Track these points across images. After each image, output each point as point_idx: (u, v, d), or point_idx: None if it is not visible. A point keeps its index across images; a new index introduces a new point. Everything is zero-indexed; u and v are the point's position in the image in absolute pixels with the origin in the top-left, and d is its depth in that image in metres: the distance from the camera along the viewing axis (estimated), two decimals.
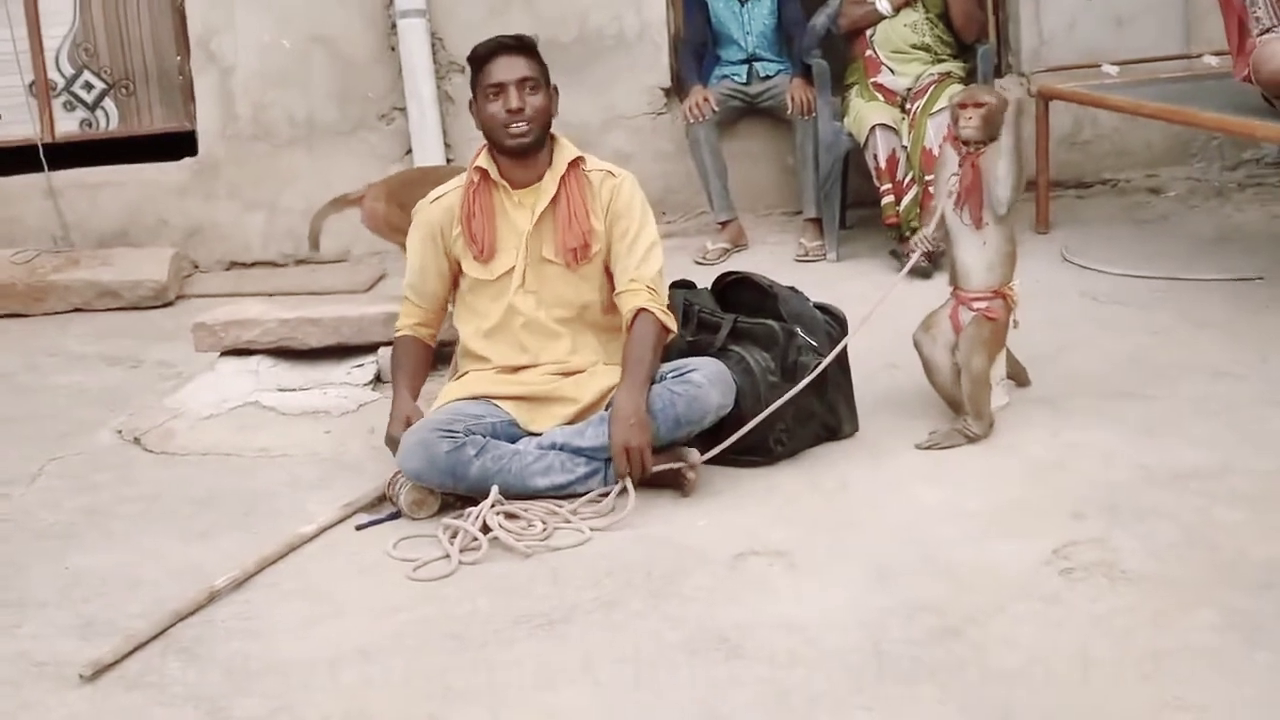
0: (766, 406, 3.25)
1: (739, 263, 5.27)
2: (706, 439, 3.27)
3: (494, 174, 3.36)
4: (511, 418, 3.28)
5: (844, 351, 3.47)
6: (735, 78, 5.64)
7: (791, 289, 3.56)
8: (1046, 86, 5.41)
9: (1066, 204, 5.73)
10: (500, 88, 3.28)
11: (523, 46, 3.33)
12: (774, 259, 5.38)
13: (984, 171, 3.37)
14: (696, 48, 5.68)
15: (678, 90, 5.87)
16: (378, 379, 4.13)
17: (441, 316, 3.52)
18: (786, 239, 5.61)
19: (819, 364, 3.31)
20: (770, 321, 3.41)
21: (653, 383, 3.25)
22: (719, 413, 3.24)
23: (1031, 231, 5.34)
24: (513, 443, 3.23)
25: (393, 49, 5.72)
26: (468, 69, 3.42)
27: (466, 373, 3.44)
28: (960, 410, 3.43)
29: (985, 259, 3.41)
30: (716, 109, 5.51)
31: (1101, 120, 5.85)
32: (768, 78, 5.62)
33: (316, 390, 4.07)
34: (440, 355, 4.00)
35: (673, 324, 3.36)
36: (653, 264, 3.37)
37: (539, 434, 3.26)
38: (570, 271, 3.37)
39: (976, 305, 3.41)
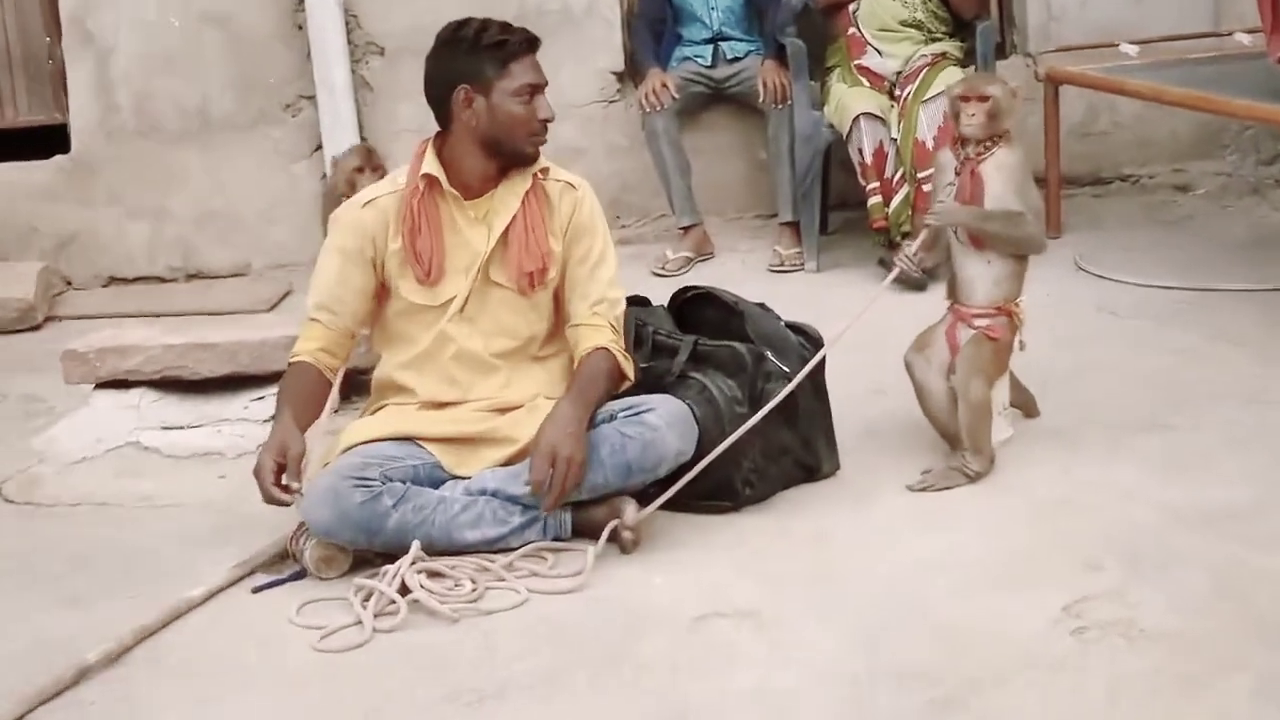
0: (731, 446, 3.24)
1: (703, 274, 5.27)
2: (662, 485, 3.27)
3: (445, 181, 3.34)
4: (436, 460, 3.27)
5: (821, 378, 3.48)
6: (698, 60, 5.67)
7: (761, 306, 3.57)
8: (1056, 69, 5.45)
9: (1080, 204, 5.77)
10: (535, 90, 3.31)
11: (536, 45, 3.35)
12: (744, 269, 5.39)
13: (987, 181, 3.39)
14: (654, 25, 5.70)
15: (632, 75, 5.90)
16: None
17: (351, 346, 3.46)
18: (759, 246, 5.62)
19: (786, 386, 3.32)
20: (736, 344, 3.41)
21: (601, 422, 3.25)
22: (677, 459, 3.23)
23: None
24: (437, 489, 3.22)
25: (300, 28, 5.72)
26: (462, 49, 3.31)
27: (384, 406, 3.43)
28: (957, 445, 3.44)
29: (991, 274, 3.43)
30: (677, 96, 5.53)
31: (1120, 108, 5.90)
32: (736, 60, 5.64)
33: (209, 428, 4.05)
34: (356, 385, 4.00)
35: (631, 373, 3.37)
36: (617, 298, 3.40)
37: (468, 478, 3.26)
38: (520, 298, 3.37)
39: (977, 323, 3.43)
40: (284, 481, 3.14)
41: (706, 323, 3.56)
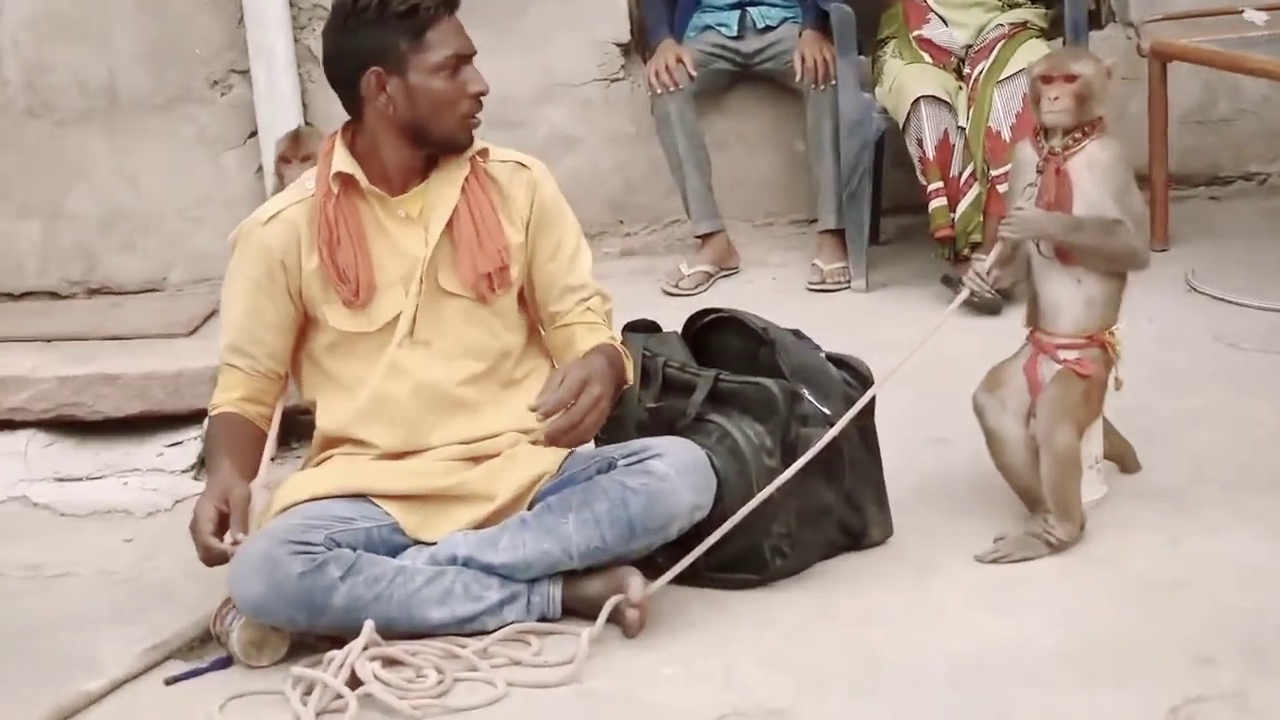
0: (760, 504, 3.24)
1: (725, 293, 5.25)
2: (673, 550, 3.27)
3: (362, 179, 3.37)
4: (394, 522, 3.30)
5: (871, 423, 3.48)
6: (722, 29, 5.67)
7: (795, 333, 3.58)
8: (1164, 42, 5.43)
9: (1194, 208, 5.76)
10: (461, 60, 3.34)
11: (456, 6, 3.37)
12: (776, 287, 5.39)
13: (1076, 181, 3.40)
14: None
15: (640, 48, 5.90)
16: (202, 463, 4.11)
17: (280, 388, 3.49)
18: (794, 260, 5.61)
19: (828, 432, 3.33)
20: (765, 380, 3.42)
21: (596, 471, 3.27)
22: (692, 516, 3.24)
23: None
24: (395, 556, 3.24)
25: None
26: (364, 22, 3.32)
27: (329, 457, 3.45)
28: (1038, 506, 3.45)
29: (1081, 295, 3.45)
30: (695, 74, 5.53)
31: (1244, 90, 5.89)
32: (768, 29, 5.64)
33: (113, 479, 4.05)
34: (296, 427, 3.99)
35: (630, 377, 3.42)
36: (607, 292, 3.47)
37: (433, 544, 3.27)
38: (480, 307, 3.40)
39: (1064, 355, 3.44)
40: (229, 535, 3.15)
41: (729, 354, 3.56)
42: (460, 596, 3.19)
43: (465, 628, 3.19)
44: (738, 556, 3.30)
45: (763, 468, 3.31)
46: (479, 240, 3.37)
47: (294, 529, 3.18)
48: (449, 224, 3.37)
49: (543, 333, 3.53)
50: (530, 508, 3.29)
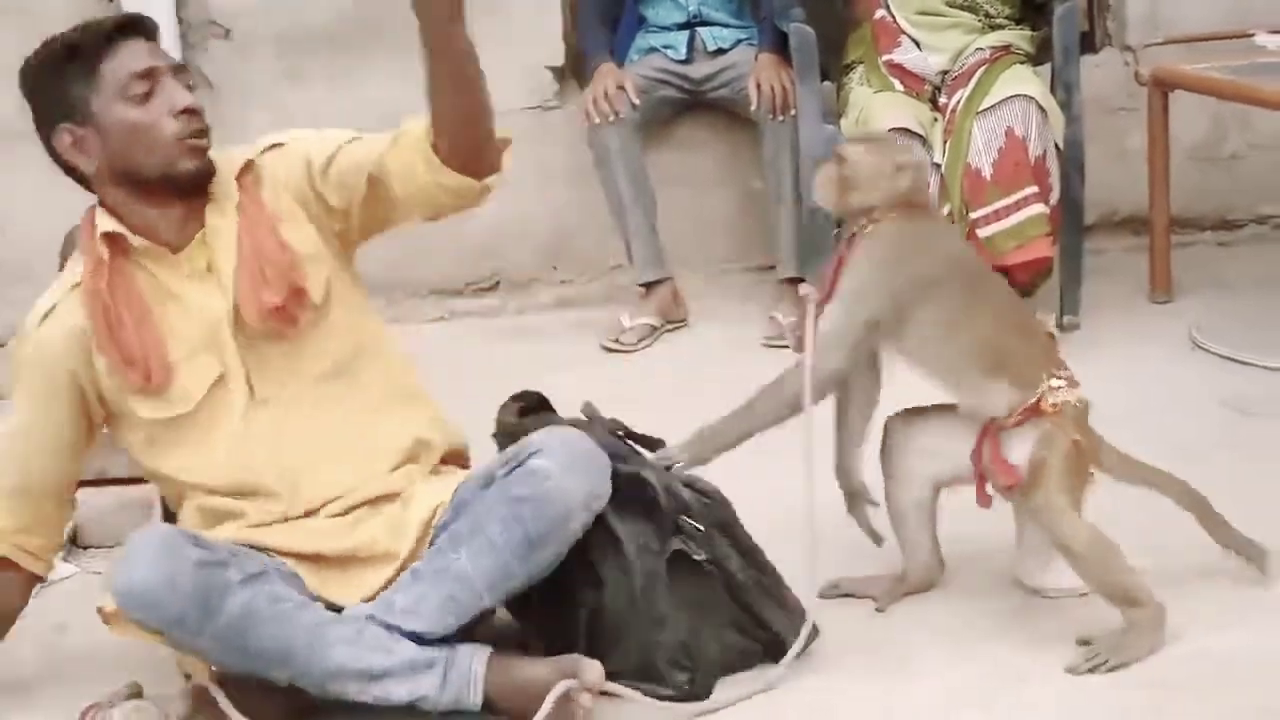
0: (646, 607, 3.23)
1: (673, 349, 5.26)
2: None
3: (131, 235, 3.32)
4: (294, 571, 3.28)
5: (745, 537, 3.45)
6: (669, 52, 5.67)
7: (654, 443, 3.51)
8: (1165, 69, 5.43)
9: (1200, 255, 5.76)
10: (152, 79, 3.29)
11: (147, 31, 3.35)
12: (729, 343, 5.36)
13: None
14: (607, 3, 5.72)
15: (576, 72, 5.90)
16: (73, 541, 4.12)
17: (66, 519, 3.54)
18: (751, 312, 5.59)
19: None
20: (642, 472, 3.36)
21: (481, 489, 3.25)
22: (590, 506, 3.22)
23: (1144, 299, 5.37)
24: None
25: (110, 0, 5.69)
26: (40, 83, 3.36)
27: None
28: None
29: (939, 386, 3.50)
30: (638, 102, 5.53)
31: (1256, 123, 5.91)
32: (720, 52, 5.66)
33: None
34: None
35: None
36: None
37: (335, 606, 3.25)
38: (310, 331, 3.35)
39: (1014, 447, 3.41)
40: None
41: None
42: (371, 645, 3.12)
43: (370, 686, 3.12)
44: (638, 666, 3.25)
45: (648, 568, 3.27)
46: (261, 271, 3.31)
47: (195, 534, 3.19)
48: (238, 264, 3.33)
49: (384, 196, 3.39)
50: (433, 539, 3.27)
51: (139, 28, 3.33)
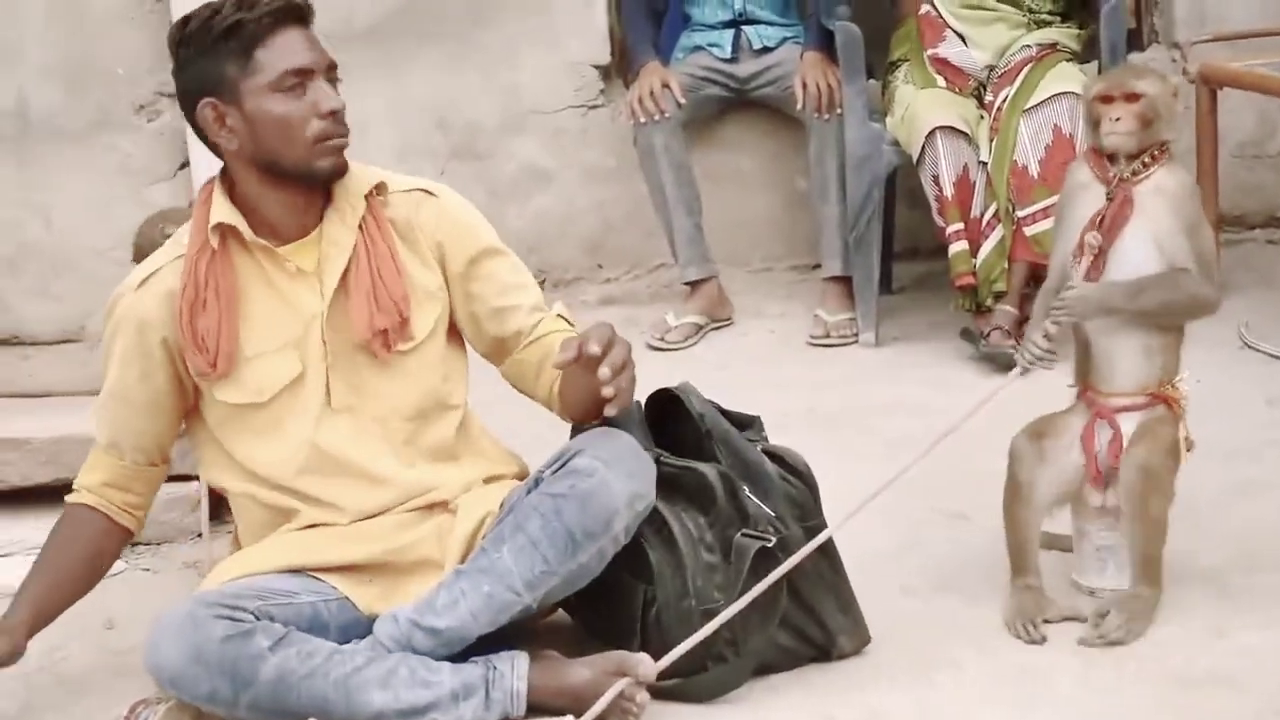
0: (696, 601, 3.23)
1: (717, 348, 5.24)
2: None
3: (246, 230, 3.34)
4: (342, 595, 3.28)
5: (820, 521, 3.40)
6: (714, 50, 5.69)
7: (745, 421, 3.50)
8: (1213, 66, 5.42)
9: (1248, 253, 5.77)
10: (305, 76, 3.29)
11: (306, 17, 3.34)
12: (774, 341, 5.38)
13: (1145, 212, 3.38)
14: (652, 2, 5.73)
15: (622, 71, 5.91)
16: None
17: (157, 479, 3.50)
18: (795, 310, 5.62)
19: (772, 544, 3.29)
20: (702, 467, 3.37)
21: (528, 493, 3.27)
22: (634, 507, 3.23)
23: None
24: (346, 637, 3.22)
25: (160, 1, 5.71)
26: (193, 52, 3.32)
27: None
28: (1022, 572, 3.47)
29: (1139, 342, 3.45)
30: (683, 101, 5.55)
31: None
32: (765, 50, 5.67)
33: (20, 557, 4.02)
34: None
35: None
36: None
37: None
38: (405, 358, 3.37)
39: (1124, 421, 3.43)
40: None
41: (684, 436, 3.49)
42: (406, 681, 3.13)
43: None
44: (686, 659, 3.21)
45: (700, 563, 3.27)
46: (374, 292, 3.34)
47: (224, 594, 3.17)
48: (345, 274, 3.35)
49: (502, 366, 3.50)
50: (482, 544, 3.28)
51: (298, 13, 3.31)
